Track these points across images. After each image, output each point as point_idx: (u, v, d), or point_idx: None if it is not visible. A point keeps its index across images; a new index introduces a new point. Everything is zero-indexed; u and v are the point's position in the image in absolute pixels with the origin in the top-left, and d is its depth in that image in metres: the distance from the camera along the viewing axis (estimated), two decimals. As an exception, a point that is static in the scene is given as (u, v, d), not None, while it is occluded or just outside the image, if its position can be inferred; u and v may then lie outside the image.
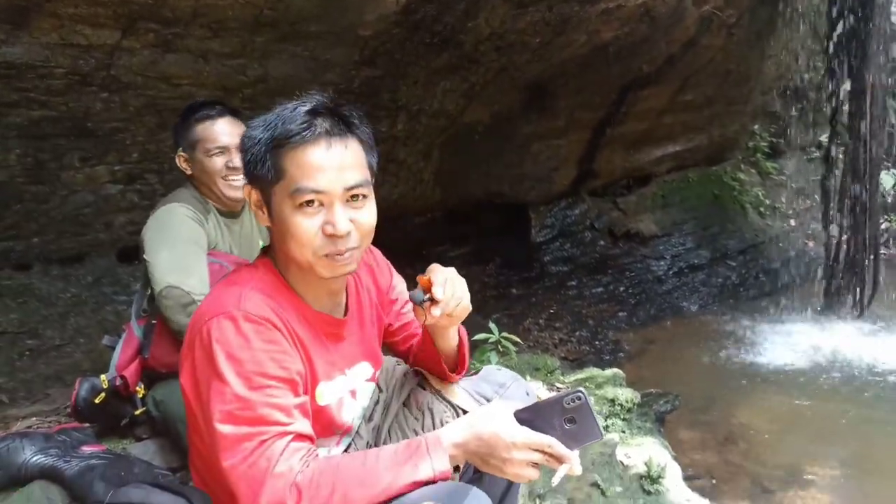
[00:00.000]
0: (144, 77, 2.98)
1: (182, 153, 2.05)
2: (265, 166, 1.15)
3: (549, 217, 6.31)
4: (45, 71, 2.72)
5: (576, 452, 1.10)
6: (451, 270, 1.28)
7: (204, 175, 2.01)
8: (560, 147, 5.85)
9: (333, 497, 1.02)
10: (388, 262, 1.51)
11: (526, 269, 6.12)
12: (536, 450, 1.09)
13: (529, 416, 1.12)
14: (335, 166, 1.14)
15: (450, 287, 1.24)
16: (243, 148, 1.20)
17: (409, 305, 1.52)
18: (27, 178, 3.02)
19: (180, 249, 1.87)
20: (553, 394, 1.17)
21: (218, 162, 1.98)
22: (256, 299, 1.13)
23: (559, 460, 1.09)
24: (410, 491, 1.06)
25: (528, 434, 1.09)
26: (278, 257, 1.24)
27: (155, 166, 3.39)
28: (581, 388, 1.14)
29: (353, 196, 1.16)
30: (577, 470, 1.10)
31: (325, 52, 3.44)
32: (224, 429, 1.05)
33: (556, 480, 1.13)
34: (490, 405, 1.17)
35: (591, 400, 1.14)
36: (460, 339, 1.46)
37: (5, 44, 2.57)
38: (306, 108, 1.16)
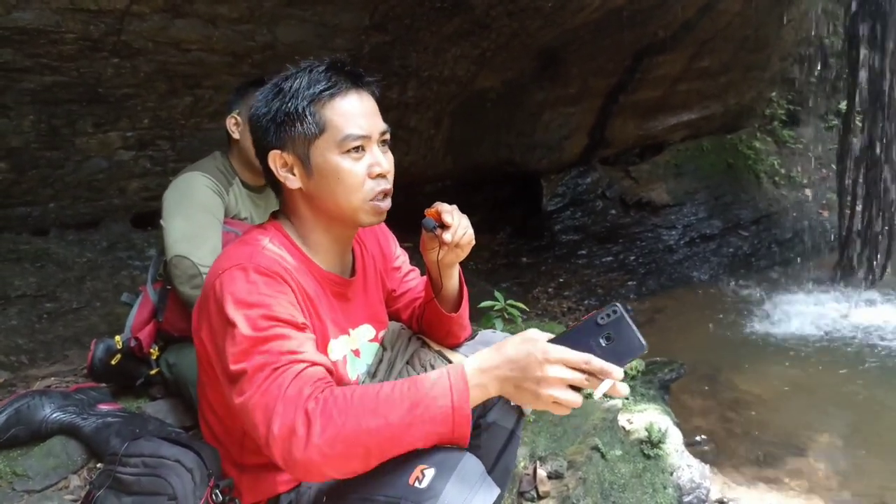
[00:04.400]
0: (155, 42, 2.99)
1: (236, 116, 2.04)
2: (305, 123, 1.19)
3: (561, 186, 6.28)
4: (57, 36, 2.73)
5: (618, 371, 0.99)
6: (455, 206, 1.36)
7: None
8: (572, 115, 5.80)
9: (345, 425, 1.00)
10: (391, 231, 1.57)
11: (536, 238, 6.14)
12: (574, 367, 1.00)
13: (562, 344, 1.02)
14: (369, 112, 1.23)
15: (457, 216, 1.33)
16: (260, 113, 1.23)
17: (413, 273, 1.60)
18: (41, 143, 3.07)
19: (195, 218, 1.90)
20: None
21: None
22: (268, 256, 1.18)
23: (600, 376, 0.99)
24: (424, 429, 1.01)
25: (564, 350, 1.00)
26: (293, 219, 1.28)
27: (166, 132, 3.42)
28: (616, 303, 1.04)
29: (382, 140, 1.25)
30: (624, 389, 1.01)
31: (333, 16, 3.42)
32: (237, 367, 1.07)
33: (598, 394, 1.01)
34: (519, 333, 1.08)
35: (631, 310, 1.04)
36: (461, 280, 1.51)
37: (16, 8, 2.58)
38: (322, 67, 1.22)
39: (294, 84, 1.20)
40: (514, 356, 1.03)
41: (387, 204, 1.26)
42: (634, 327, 1.01)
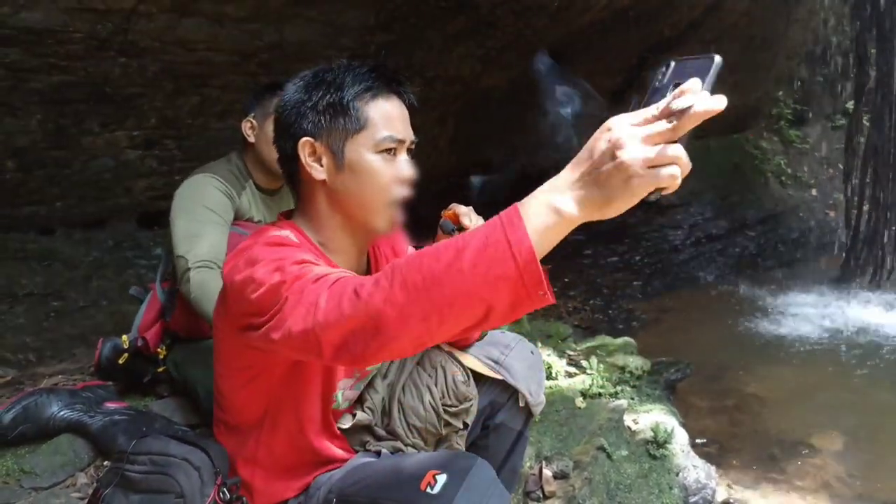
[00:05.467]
0: (161, 42, 3.00)
1: (251, 120, 2.03)
2: (348, 117, 1.18)
3: (566, 185, 6.27)
4: (65, 36, 2.74)
5: (703, 93, 0.75)
6: (471, 207, 1.36)
7: (268, 146, 1.97)
8: (578, 114, 5.79)
9: (409, 271, 0.86)
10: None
11: (541, 238, 6.13)
12: (643, 123, 0.77)
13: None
14: (405, 118, 1.24)
15: (475, 218, 1.33)
16: (296, 100, 1.20)
17: None
18: (49, 143, 3.08)
19: (196, 217, 1.90)
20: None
21: None
22: (292, 244, 1.16)
23: (679, 105, 0.75)
24: (486, 270, 0.81)
25: (623, 115, 0.79)
26: (309, 216, 1.26)
27: (173, 132, 3.43)
28: (671, 58, 0.83)
29: (409, 149, 1.25)
30: (721, 103, 0.75)
31: (339, 16, 3.42)
32: (275, 309, 0.99)
33: (700, 105, 0.74)
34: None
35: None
36: None
37: (25, 8, 2.59)
38: (365, 67, 1.22)
39: (338, 77, 1.20)
40: (591, 145, 0.80)
41: (401, 215, 1.25)
42: (694, 58, 0.80)
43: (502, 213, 0.84)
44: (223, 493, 1.15)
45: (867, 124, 5.70)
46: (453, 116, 4.87)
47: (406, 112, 1.24)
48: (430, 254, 0.86)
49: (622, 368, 3.00)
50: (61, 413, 1.77)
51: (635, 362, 3.07)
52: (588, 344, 3.32)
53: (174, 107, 3.33)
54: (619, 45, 5.19)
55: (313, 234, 1.25)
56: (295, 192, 1.29)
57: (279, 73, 2.99)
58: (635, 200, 0.78)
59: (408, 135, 1.23)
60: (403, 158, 1.23)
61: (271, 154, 1.98)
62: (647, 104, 0.79)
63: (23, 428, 1.73)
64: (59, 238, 3.36)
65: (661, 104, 0.76)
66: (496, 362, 1.53)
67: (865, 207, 5.56)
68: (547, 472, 2.09)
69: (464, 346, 1.56)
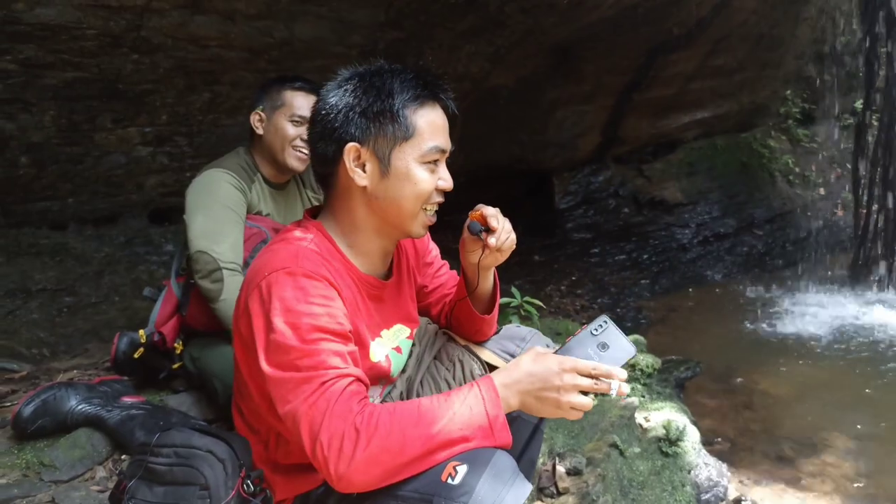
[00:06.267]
0: (174, 38, 3.01)
1: (260, 112, 2.06)
2: (396, 123, 1.20)
3: (573, 184, 6.27)
4: (78, 32, 2.75)
5: (621, 372, 1.13)
6: (498, 209, 1.38)
7: (276, 138, 2.03)
8: (585, 113, 5.78)
9: (391, 437, 1.04)
10: None
11: (548, 236, 6.13)
12: (584, 374, 1.11)
13: (565, 354, 1.16)
14: (447, 128, 1.26)
15: (501, 219, 1.35)
16: (360, 110, 1.20)
17: (444, 268, 1.60)
18: (62, 139, 3.09)
19: (215, 214, 1.91)
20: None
21: (294, 130, 2.02)
22: (313, 258, 1.18)
23: (606, 378, 1.12)
24: (463, 436, 1.06)
25: (574, 359, 1.13)
26: (340, 217, 1.27)
27: (184, 129, 3.44)
28: (604, 315, 1.22)
29: (445, 158, 1.28)
30: (625, 389, 1.13)
31: (350, 13, 3.43)
32: (283, 376, 1.08)
33: (613, 393, 1.13)
34: (528, 351, 1.19)
35: (615, 319, 1.21)
36: (495, 281, 1.53)
37: (39, 4, 2.60)
38: (410, 73, 1.24)
39: (387, 83, 1.21)
40: (532, 369, 1.12)
41: (432, 218, 1.30)
42: (623, 335, 1.19)
43: (484, 393, 1.11)
44: (247, 485, 1.16)
45: (876, 123, 5.68)
46: (462, 115, 4.85)
47: (447, 121, 1.26)
48: (424, 414, 1.07)
49: (632, 366, 3.00)
50: (79, 407, 1.78)
51: (645, 360, 3.08)
52: (597, 341, 3.32)
53: (185, 103, 3.34)
54: (628, 43, 5.18)
55: (341, 236, 1.27)
56: (327, 193, 1.30)
57: (289, 70, 2.99)
58: (549, 416, 1.15)
59: (448, 145, 1.26)
60: (444, 168, 1.26)
61: (280, 145, 2.02)
62: (578, 343, 1.18)
63: (42, 421, 1.74)
64: (71, 234, 3.37)
65: (602, 368, 1.13)
66: (512, 355, 1.54)
67: (874, 207, 5.54)
68: (560, 469, 2.09)
69: (481, 341, 1.57)
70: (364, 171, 1.22)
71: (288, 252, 1.17)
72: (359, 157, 1.22)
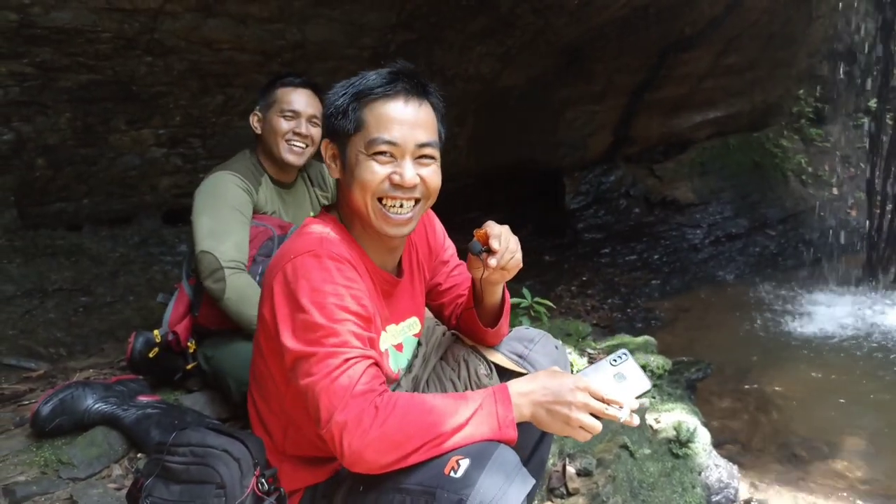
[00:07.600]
0: (187, 41, 3.04)
1: (258, 112, 2.13)
2: (346, 118, 1.24)
3: (584, 184, 6.26)
4: (93, 35, 2.79)
5: (633, 401, 1.17)
6: (506, 227, 1.36)
7: (270, 134, 2.09)
8: (596, 113, 5.77)
9: (406, 419, 1.07)
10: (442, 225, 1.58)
11: (559, 236, 6.12)
12: (596, 397, 1.14)
13: None
14: (409, 122, 1.23)
15: (504, 240, 1.32)
16: (327, 103, 1.29)
17: (460, 267, 1.59)
18: (77, 140, 3.13)
19: (220, 215, 1.95)
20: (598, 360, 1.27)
21: (286, 124, 2.07)
22: (337, 243, 1.22)
23: (617, 405, 1.15)
24: (470, 431, 1.10)
25: (589, 381, 1.17)
26: (344, 213, 1.32)
27: (198, 130, 3.48)
28: (623, 348, 1.29)
29: (422, 154, 1.25)
30: (635, 420, 1.15)
31: (361, 15, 3.45)
32: (308, 350, 1.11)
33: (622, 419, 1.15)
34: (548, 369, 1.24)
35: (633, 356, 1.27)
36: (504, 297, 1.52)
37: (55, 8, 2.64)
38: (389, 69, 1.27)
39: (358, 81, 1.26)
40: (547, 383, 1.16)
41: (400, 216, 1.25)
42: (639, 368, 1.25)
43: (497, 397, 1.15)
44: (262, 483, 1.18)
45: (889, 122, 5.63)
46: (472, 115, 4.88)
47: (415, 115, 1.23)
48: (438, 404, 1.11)
49: (643, 367, 2.98)
50: (96, 406, 1.81)
51: (656, 361, 3.07)
52: (608, 342, 3.32)
53: (199, 105, 3.37)
54: (639, 43, 5.16)
55: (350, 228, 1.31)
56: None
57: (302, 72, 3.01)
58: (557, 433, 1.17)
59: (407, 139, 1.22)
60: (405, 163, 1.22)
61: (274, 140, 2.06)
62: (597, 370, 1.24)
63: (60, 420, 1.77)
64: (86, 234, 3.41)
65: (615, 395, 1.16)
66: (520, 357, 1.54)
67: (888, 207, 5.49)
68: (570, 470, 2.09)
69: (491, 344, 1.57)
70: (335, 165, 1.30)
71: (312, 238, 1.21)
72: (333, 153, 1.30)
